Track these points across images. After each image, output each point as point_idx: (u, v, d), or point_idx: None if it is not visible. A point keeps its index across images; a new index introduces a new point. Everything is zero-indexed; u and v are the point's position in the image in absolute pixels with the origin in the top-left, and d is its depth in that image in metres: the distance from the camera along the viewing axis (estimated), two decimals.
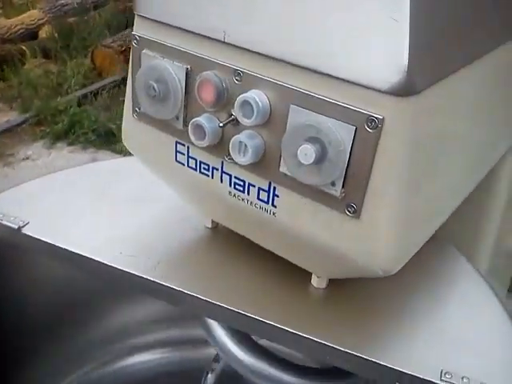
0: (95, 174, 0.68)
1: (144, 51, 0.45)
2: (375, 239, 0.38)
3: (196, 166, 0.46)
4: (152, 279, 0.51)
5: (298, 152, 0.36)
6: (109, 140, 2.34)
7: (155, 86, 0.43)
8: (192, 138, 0.42)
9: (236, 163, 0.41)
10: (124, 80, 2.23)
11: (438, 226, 0.44)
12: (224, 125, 0.40)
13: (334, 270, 0.47)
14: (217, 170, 0.45)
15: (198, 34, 0.41)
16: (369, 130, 0.34)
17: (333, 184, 0.37)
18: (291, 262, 0.50)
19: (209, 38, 0.40)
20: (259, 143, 0.39)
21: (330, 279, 0.50)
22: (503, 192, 0.57)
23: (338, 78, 0.34)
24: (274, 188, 0.41)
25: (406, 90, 0.33)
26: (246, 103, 0.38)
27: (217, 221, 0.55)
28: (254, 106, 0.38)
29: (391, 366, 0.44)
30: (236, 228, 0.52)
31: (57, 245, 0.54)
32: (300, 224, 0.41)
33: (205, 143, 0.42)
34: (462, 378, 0.43)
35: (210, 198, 0.48)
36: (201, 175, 0.46)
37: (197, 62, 0.41)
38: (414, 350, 0.46)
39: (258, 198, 0.43)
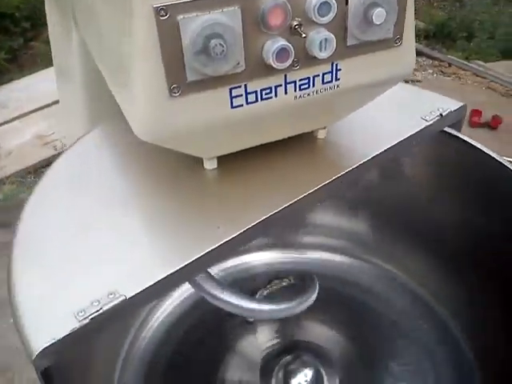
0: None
1: (180, 17, 0.40)
2: (409, 52, 0.53)
3: (257, 97, 0.48)
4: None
5: (373, 16, 0.46)
6: None
7: (220, 41, 0.41)
8: (276, 64, 0.45)
9: (306, 65, 0.47)
10: None
11: None
12: (305, 36, 0.44)
13: (367, 99, 0.59)
14: (280, 86, 0.49)
15: None
16: None
17: (388, 30, 0.49)
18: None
19: None
20: (332, 35, 0.46)
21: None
22: None
23: None
24: (337, 65, 0.50)
25: None
26: (323, 4, 0.44)
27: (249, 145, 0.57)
28: (331, 4, 0.44)
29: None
30: (273, 135, 0.58)
31: (156, 281, 0.47)
32: (361, 78, 0.52)
33: (288, 62, 0.45)
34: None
35: (269, 119, 0.51)
36: (262, 103, 0.49)
37: None
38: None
39: (323, 83, 0.50)
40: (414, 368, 0.85)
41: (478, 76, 2.29)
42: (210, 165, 0.59)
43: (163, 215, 0.55)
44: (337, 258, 1.00)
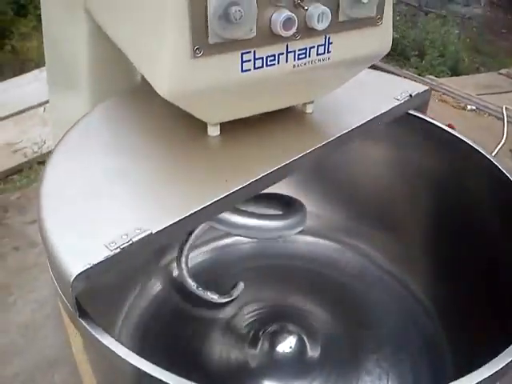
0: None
1: None
2: (387, 32, 0.63)
3: (263, 63, 0.56)
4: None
5: None
6: None
7: (239, 8, 0.49)
8: (282, 32, 0.53)
9: (305, 36, 0.56)
10: None
11: None
12: (307, 8, 0.53)
13: (349, 75, 0.68)
14: (282, 54, 0.57)
15: None
16: None
17: (371, 9, 0.58)
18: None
19: None
20: (328, 9, 0.55)
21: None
22: None
23: None
24: (329, 38, 0.58)
25: None
26: None
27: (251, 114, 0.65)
28: None
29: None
30: (272, 104, 0.66)
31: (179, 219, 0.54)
32: (348, 52, 0.61)
33: (292, 31, 0.54)
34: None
35: (271, 85, 0.59)
36: (266, 69, 0.57)
37: None
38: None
39: (317, 54, 0.59)
40: (389, 338, 0.93)
41: (432, 90, 2.46)
42: (214, 131, 0.66)
43: (176, 172, 0.62)
44: (317, 240, 1.08)
